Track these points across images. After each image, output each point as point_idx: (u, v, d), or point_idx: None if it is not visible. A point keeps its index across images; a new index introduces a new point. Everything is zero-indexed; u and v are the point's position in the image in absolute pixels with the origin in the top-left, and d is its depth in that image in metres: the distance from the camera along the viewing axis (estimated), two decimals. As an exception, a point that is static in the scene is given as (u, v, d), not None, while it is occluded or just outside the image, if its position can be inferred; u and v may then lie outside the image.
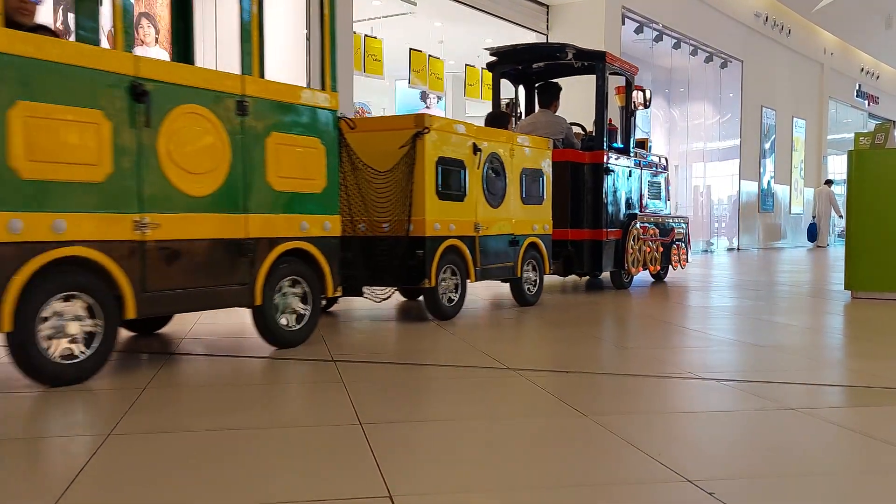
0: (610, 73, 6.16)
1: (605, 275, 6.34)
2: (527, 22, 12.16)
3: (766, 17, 16.74)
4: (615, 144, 6.28)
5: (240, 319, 3.98)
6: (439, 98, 15.23)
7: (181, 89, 2.65)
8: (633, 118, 6.49)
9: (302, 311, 3.17)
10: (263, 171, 2.95)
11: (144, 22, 7.40)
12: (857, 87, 22.13)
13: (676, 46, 14.36)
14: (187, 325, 3.83)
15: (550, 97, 6.13)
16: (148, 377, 2.58)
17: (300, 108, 3.11)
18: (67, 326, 2.38)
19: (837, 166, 20.68)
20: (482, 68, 12.90)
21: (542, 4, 12.35)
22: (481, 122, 4.33)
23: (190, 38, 3.54)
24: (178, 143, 2.64)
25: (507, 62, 6.44)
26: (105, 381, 2.52)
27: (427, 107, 15.57)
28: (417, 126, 3.83)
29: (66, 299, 2.38)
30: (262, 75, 2.93)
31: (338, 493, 1.53)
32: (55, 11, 6.59)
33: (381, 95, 16.89)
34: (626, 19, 12.85)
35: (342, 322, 4.13)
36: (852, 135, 6.12)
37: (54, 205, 2.31)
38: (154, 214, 2.58)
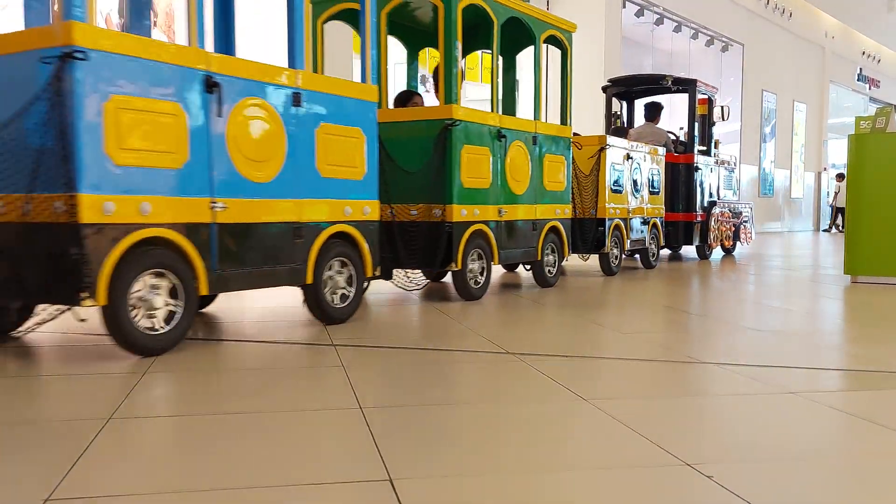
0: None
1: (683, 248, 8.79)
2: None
3: (768, 1, 17.20)
4: (700, 147, 8.42)
5: (236, 304, 4.26)
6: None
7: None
8: (712, 126, 8.65)
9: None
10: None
11: None
12: (859, 71, 22.65)
13: (677, 30, 14.73)
14: None
15: (654, 112, 8.29)
16: (149, 361, 2.68)
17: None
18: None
19: (838, 151, 21.26)
20: (481, 51, 13.24)
21: (542, -13, 12.61)
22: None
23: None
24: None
25: (619, 86, 8.75)
26: (106, 366, 2.63)
27: (427, 91, 15.90)
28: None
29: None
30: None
31: (338, 477, 1.57)
32: None
33: (378, 79, 17.18)
34: (627, 2, 13.13)
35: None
36: (853, 119, 6.25)
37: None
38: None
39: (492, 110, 4.64)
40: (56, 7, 2.80)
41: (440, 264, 4.25)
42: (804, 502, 1.50)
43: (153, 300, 2.73)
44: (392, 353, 2.92)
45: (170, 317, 2.80)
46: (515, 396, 2.30)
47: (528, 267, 5.45)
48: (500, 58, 4.81)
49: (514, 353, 2.89)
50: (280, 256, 3.20)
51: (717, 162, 8.91)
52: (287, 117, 3.18)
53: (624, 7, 12.97)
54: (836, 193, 18.97)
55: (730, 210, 9.09)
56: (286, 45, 3.32)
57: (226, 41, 3.91)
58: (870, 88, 23.44)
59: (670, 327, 3.71)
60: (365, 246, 3.62)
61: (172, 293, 2.80)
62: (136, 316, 2.69)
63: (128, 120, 2.63)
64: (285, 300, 4.40)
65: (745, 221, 9.57)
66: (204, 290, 2.88)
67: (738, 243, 9.37)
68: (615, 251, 6.31)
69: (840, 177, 18.77)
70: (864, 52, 22.60)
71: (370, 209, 3.66)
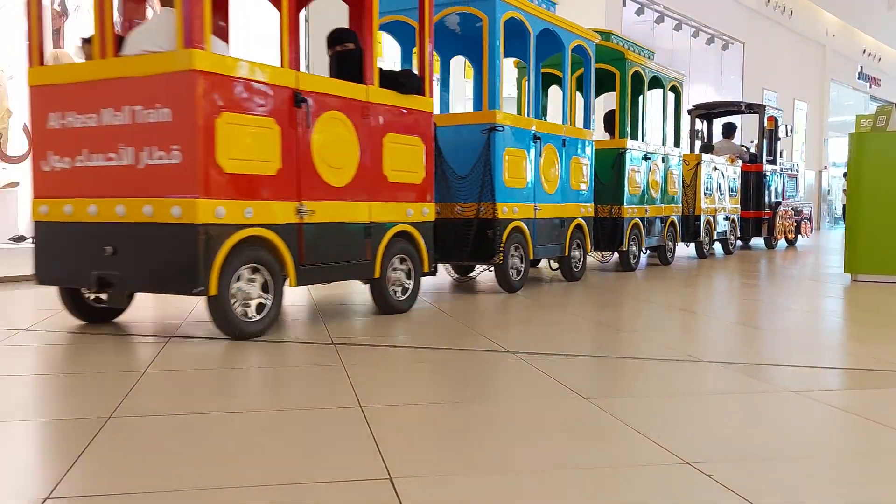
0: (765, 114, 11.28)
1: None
2: None
3: (768, -1, 17.93)
4: (767, 158, 11.24)
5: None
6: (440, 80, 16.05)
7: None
8: (777, 141, 11.44)
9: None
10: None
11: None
12: (859, 70, 23.40)
13: (678, 28, 15.31)
14: (186, 309, 4.15)
15: (730, 131, 11.31)
16: (148, 360, 2.81)
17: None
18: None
19: (839, 149, 22.04)
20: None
21: (543, -15, 13.14)
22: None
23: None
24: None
25: (701, 109, 11.75)
26: (106, 365, 2.79)
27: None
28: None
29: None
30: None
31: (338, 476, 1.63)
32: None
33: (380, 78, 17.64)
34: (627, 1, 13.71)
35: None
36: (854, 117, 6.48)
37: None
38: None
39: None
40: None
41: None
42: (804, 501, 1.55)
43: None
44: (388, 351, 3.12)
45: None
46: (524, 394, 2.45)
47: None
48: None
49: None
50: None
51: (781, 169, 11.70)
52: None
53: (624, 5, 13.39)
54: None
55: (792, 209, 11.86)
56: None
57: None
58: (870, 87, 24.19)
59: (674, 326, 4.01)
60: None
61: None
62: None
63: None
64: (285, 301, 4.80)
65: (806, 218, 12.46)
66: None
67: (799, 236, 12.12)
68: (706, 240, 9.00)
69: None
70: (864, 51, 23.38)
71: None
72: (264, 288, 3.35)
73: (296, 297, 4.77)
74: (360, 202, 3.81)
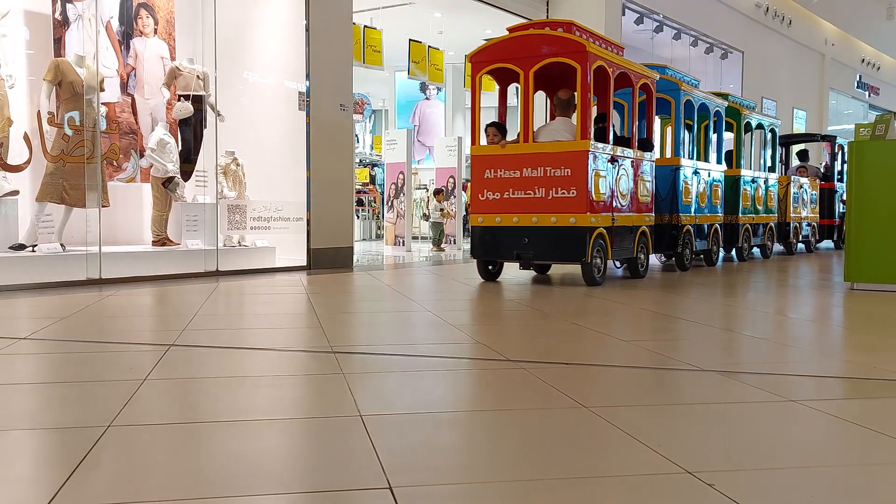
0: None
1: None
2: (527, 12, 12.83)
3: (767, 8, 17.95)
4: (837, 177, 13.83)
5: (236, 311, 4.75)
6: (439, 89, 16.10)
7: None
8: (845, 163, 13.16)
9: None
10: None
11: (143, 13, 7.87)
12: (858, 78, 23.51)
13: (677, 37, 15.39)
14: (185, 319, 4.19)
15: (805, 156, 13.62)
16: (147, 369, 2.84)
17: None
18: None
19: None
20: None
21: (542, -5, 13.17)
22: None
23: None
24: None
25: (784, 139, 13.79)
26: (107, 373, 2.83)
27: (427, 98, 16.47)
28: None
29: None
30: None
31: (337, 485, 1.63)
32: (53, 2, 7.13)
33: (380, 86, 17.70)
34: (626, 10, 13.69)
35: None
36: (853, 126, 6.53)
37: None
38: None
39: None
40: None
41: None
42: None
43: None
44: (383, 359, 3.13)
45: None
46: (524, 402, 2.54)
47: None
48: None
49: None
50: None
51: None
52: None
53: (624, 14, 13.47)
54: None
55: None
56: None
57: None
58: (869, 95, 24.30)
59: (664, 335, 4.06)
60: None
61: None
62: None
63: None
64: (284, 307, 4.87)
65: None
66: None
67: None
68: (794, 241, 11.82)
69: None
70: (863, 60, 23.48)
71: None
72: (601, 259, 6.42)
73: (292, 303, 4.75)
74: (632, 214, 6.93)
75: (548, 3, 13.08)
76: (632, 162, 6.89)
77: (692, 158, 8.50)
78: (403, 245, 12.03)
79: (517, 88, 6.73)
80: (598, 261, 6.34)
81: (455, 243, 12.52)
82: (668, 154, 8.87)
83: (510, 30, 6.87)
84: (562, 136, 6.32)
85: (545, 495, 1.61)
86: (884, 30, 21.58)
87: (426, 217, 13.32)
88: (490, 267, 6.85)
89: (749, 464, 1.82)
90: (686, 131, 8.48)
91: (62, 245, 6.55)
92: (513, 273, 7.50)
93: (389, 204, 12.33)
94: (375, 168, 17.41)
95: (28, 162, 6.59)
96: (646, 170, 7.23)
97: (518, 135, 6.53)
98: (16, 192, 6.45)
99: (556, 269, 7.88)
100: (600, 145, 6.33)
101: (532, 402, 2.43)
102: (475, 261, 6.75)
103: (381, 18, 12.11)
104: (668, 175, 7.86)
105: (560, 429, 2.13)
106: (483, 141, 6.68)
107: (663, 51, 15.41)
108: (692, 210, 8.19)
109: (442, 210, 12.40)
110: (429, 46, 12.69)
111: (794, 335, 3.99)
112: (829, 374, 2.97)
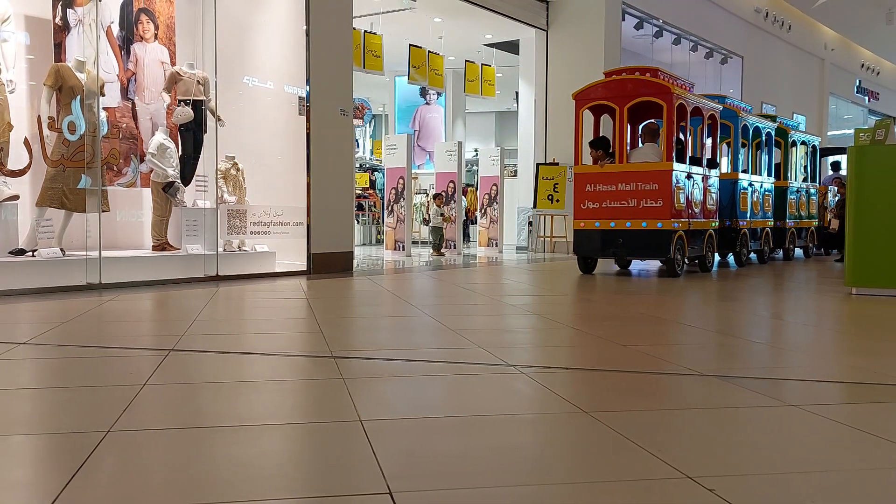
0: None
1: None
2: (527, 18, 12.88)
3: (767, 13, 18.01)
4: None
5: (236, 315, 4.74)
6: (439, 94, 16.15)
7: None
8: None
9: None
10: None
11: (144, 17, 7.89)
12: (858, 83, 23.58)
13: (677, 42, 15.44)
14: (185, 324, 4.18)
15: (839, 167, 14.59)
16: (147, 374, 2.83)
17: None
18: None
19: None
20: (482, 64, 13.88)
21: (542, 0, 13.14)
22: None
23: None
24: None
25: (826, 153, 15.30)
26: (106, 378, 2.83)
27: (427, 103, 16.51)
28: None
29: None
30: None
31: (337, 490, 1.64)
32: (53, 7, 7.15)
33: (380, 91, 17.75)
34: (627, 15, 13.74)
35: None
36: (852, 131, 6.60)
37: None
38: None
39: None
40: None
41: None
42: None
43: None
44: (383, 364, 3.12)
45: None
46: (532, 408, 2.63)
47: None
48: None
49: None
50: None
51: None
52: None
53: (623, 19, 13.51)
54: None
55: None
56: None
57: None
58: (869, 100, 24.37)
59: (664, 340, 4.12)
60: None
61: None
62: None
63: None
64: (284, 312, 4.88)
65: None
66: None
67: None
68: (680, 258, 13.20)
69: None
70: (863, 65, 23.54)
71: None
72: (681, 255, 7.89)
73: (292, 308, 4.73)
74: (703, 219, 8.35)
75: (548, 10, 13.12)
76: (702, 177, 8.45)
77: (747, 172, 10.04)
78: (403, 250, 12.04)
79: (604, 118, 8.77)
80: (679, 257, 7.81)
81: (455, 248, 12.53)
82: (728, 169, 10.28)
83: (606, 74, 8.70)
84: (650, 157, 7.91)
85: (546, 502, 1.61)
86: (883, 35, 21.63)
87: (426, 222, 13.34)
88: (588, 261, 8.40)
89: (750, 469, 1.82)
90: (742, 149, 10.03)
91: (62, 250, 6.55)
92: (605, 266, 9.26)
93: (389, 208, 12.34)
94: (375, 173, 17.44)
95: (28, 167, 6.60)
96: (713, 183, 8.86)
97: (613, 155, 8.21)
98: (16, 197, 6.45)
99: (602, 266, 9.27)
100: (680, 165, 7.88)
101: (537, 409, 2.42)
102: (575, 257, 8.52)
103: (382, 23, 12.14)
104: (728, 187, 9.45)
105: (560, 433, 2.13)
106: (585, 159, 8.30)
107: (663, 56, 15.44)
108: (748, 216, 9.83)
109: (442, 215, 12.42)
110: (429, 51, 12.72)
111: (797, 340, 3.99)
112: (830, 378, 2.96)
